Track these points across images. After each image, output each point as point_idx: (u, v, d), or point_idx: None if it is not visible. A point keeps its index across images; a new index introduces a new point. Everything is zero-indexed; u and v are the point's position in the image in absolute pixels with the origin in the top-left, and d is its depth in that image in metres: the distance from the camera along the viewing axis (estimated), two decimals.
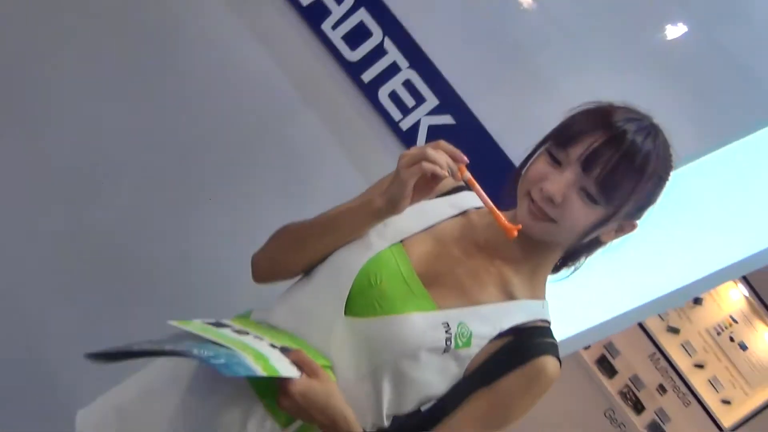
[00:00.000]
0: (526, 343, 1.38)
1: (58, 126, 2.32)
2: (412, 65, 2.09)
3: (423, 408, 1.40)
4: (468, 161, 1.33)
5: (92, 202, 2.32)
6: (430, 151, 1.29)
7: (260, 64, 2.22)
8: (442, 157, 1.29)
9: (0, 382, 2.33)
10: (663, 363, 7.11)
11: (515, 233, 1.34)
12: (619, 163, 1.28)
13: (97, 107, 2.31)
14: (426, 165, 1.28)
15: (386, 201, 1.35)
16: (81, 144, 2.32)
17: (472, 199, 1.52)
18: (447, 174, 1.30)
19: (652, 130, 1.34)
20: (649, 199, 1.37)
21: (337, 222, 1.44)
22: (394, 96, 2.11)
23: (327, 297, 1.41)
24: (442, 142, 1.32)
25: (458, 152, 1.32)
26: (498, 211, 1.35)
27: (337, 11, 2.18)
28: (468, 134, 2.05)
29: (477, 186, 1.35)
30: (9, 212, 2.34)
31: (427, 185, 1.34)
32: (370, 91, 2.12)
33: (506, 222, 1.34)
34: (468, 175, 1.34)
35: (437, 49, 2.09)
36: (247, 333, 1.33)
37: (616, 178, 1.29)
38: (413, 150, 1.32)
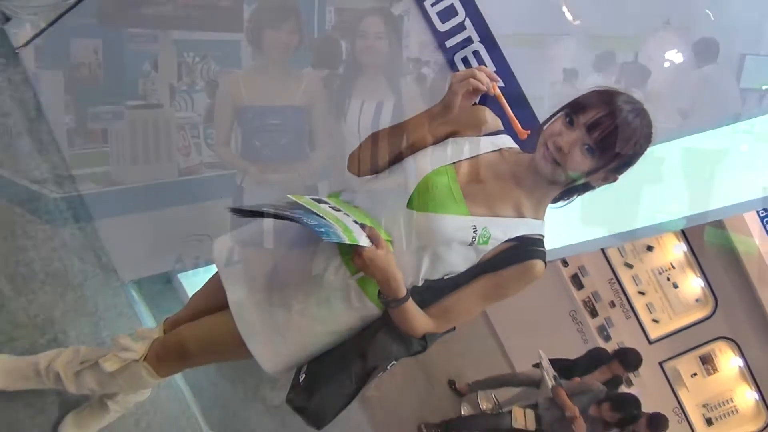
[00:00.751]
0: (525, 248, 1.42)
1: None
2: (482, 41, 2.06)
3: (446, 278, 1.46)
4: (499, 81, 1.38)
5: None
6: (477, 72, 1.34)
7: None
8: (484, 76, 1.34)
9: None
10: (617, 287, 7.08)
11: (525, 136, 1.39)
12: (612, 131, 1.30)
13: None
14: (472, 81, 1.33)
15: (442, 106, 1.40)
16: None
17: (507, 141, 1.54)
18: (486, 89, 1.34)
19: (641, 112, 1.34)
20: (630, 161, 1.38)
21: (407, 123, 1.49)
22: (465, 60, 2.09)
23: (397, 192, 1.46)
24: (483, 67, 1.37)
25: (494, 75, 1.37)
26: (514, 117, 1.39)
27: None
28: (511, 95, 2.00)
29: (503, 99, 1.39)
30: None
31: (470, 96, 1.38)
32: (449, 54, 2.10)
33: (519, 126, 1.39)
34: (498, 91, 1.38)
35: (502, 32, 2.04)
36: (339, 210, 1.39)
37: (609, 141, 1.31)
38: (463, 71, 1.36)
